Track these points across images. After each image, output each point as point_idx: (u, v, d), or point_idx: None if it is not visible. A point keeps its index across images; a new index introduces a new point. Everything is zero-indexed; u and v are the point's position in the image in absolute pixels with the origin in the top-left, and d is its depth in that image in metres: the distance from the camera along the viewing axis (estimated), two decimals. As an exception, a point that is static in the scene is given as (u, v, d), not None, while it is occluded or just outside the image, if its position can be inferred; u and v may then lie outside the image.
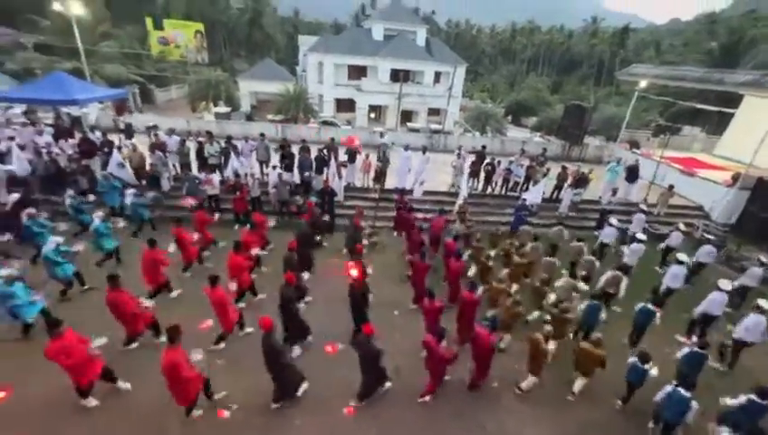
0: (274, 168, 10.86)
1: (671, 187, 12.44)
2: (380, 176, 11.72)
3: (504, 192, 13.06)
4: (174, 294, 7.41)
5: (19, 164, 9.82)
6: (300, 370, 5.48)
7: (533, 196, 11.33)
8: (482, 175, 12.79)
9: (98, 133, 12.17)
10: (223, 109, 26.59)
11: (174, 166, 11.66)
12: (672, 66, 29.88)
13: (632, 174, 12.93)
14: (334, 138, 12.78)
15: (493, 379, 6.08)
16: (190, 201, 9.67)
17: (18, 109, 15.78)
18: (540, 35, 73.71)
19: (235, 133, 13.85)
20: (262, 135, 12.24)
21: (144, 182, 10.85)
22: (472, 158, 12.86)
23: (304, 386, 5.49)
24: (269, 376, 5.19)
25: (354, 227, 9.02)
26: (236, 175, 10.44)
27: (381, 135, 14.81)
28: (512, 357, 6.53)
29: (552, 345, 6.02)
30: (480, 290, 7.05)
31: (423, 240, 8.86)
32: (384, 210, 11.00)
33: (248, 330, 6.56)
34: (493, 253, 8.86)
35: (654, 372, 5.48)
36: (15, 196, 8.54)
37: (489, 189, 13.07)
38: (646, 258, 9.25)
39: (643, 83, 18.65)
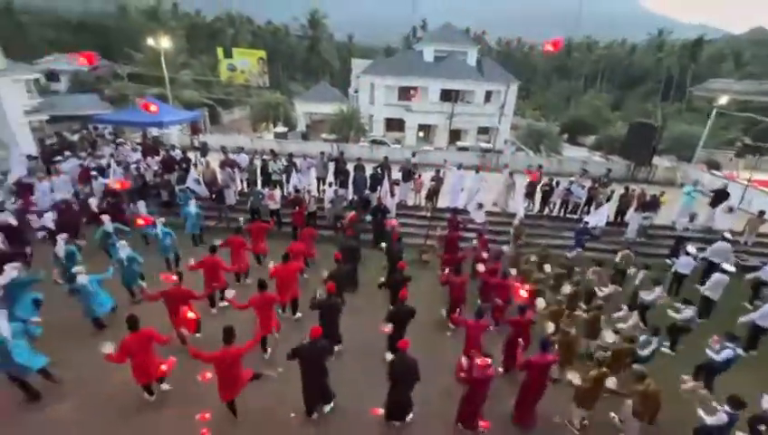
0: (330, 185, 11.35)
1: (762, 213, 11.09)
2: (433, 195, 11.76)
3: (562, 214, 12.47)
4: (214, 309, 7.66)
5: (115, 178, 11.22)
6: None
7: (597, 218, 10.67)
8: (538, 195, 12.34)
9: (178, 151, 13.60)
10: (281, 129, 28.48)
11: (241, 181, 12.63)
12: (757, 79, 27.02)
13: (719, 198, 11.73)
14: (388, 156, 13.12)
15: (547, 411, 5.68)
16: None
17: (107, 129, 18.21)
18: (598, 50, 70.38)
19: (294, 151, 14.73)
20: (322, 153, 12.85)
21: (213, 196, 11.84)
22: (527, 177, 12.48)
23: (331, 405, 5.59)
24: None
25: (392, 240, 8.92)
26: (296, 190, 11.05)
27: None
28: (564, 388, 5.95)
29: (611, 383, 5.35)
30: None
31: (462, 257, 8.65)
32: (435, 229, 10.95)
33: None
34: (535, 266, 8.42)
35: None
36: (93, 200, 9.63)
37: (546, 211, 12.55)
38: (730, 292, 8.26)
39: (723, 99, 17.08)
